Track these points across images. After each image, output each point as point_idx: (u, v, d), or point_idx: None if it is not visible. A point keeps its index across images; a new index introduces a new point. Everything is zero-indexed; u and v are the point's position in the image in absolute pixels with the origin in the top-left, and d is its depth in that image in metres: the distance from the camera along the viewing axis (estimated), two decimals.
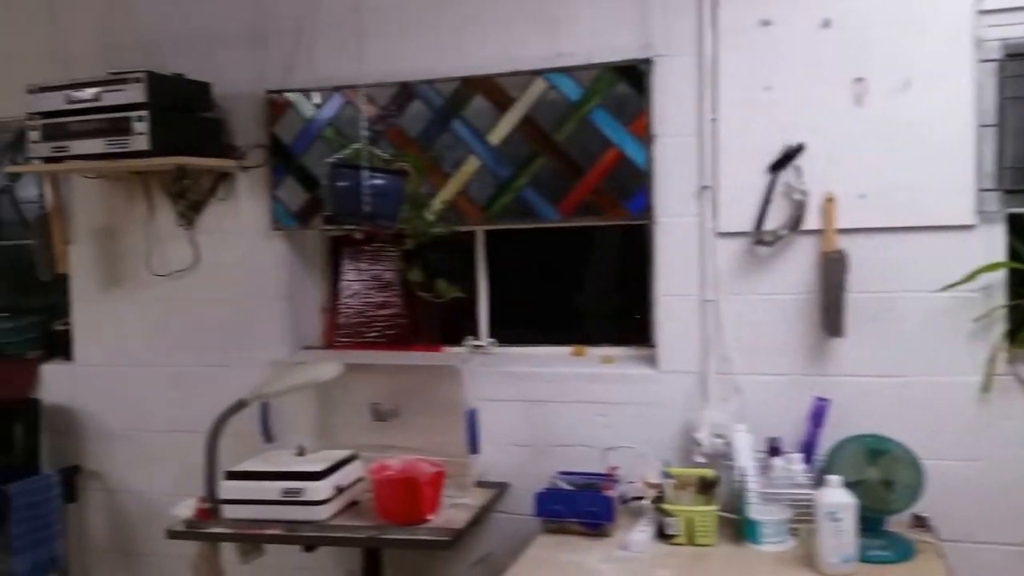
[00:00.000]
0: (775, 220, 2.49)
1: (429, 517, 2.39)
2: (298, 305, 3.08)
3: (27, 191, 3.46)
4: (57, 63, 3.10)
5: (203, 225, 3.07)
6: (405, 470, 2.45)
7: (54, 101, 2.80)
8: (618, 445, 2.54)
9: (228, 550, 2.57)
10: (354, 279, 3.13)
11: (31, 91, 2.81)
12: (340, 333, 3.13)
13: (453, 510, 2.51)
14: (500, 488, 2.73)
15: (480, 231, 2.95)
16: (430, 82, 2.79)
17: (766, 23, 2.48)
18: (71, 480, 3.18)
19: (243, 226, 3.03)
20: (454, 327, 3.04)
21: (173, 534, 2.45)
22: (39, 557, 3.00)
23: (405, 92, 2.81)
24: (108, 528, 3.25)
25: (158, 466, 3.15)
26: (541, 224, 2.76)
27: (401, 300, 3.08)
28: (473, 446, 2.66)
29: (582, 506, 2.33)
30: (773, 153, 2.48)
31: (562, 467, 2.60)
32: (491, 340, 2.97)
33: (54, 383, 3.28)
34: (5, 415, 3.15)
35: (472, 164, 2.77)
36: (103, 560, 3.26)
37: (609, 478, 2.45)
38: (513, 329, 2.99)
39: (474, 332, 2.98)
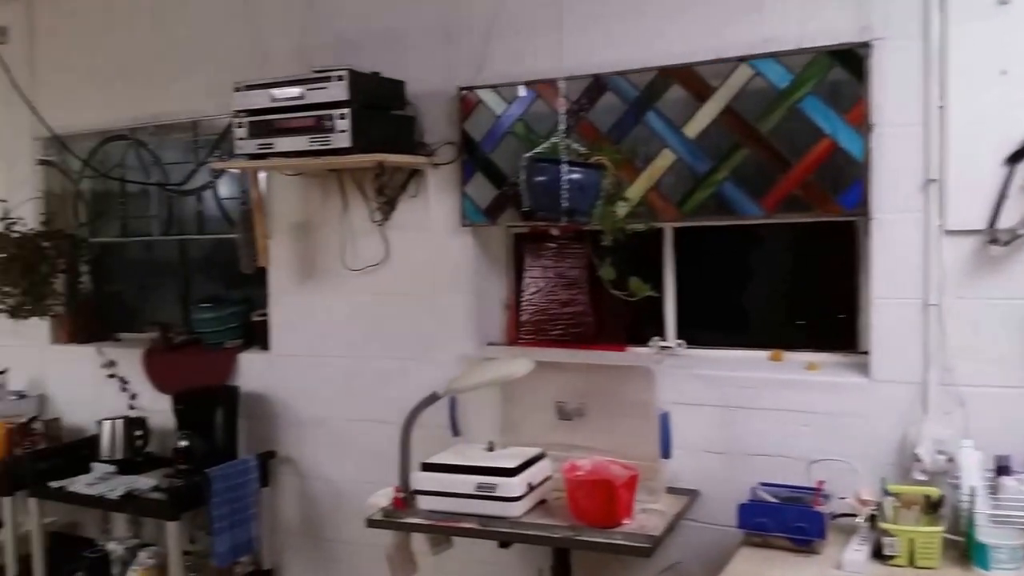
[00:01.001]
0: (1012, 217, 2.25)
1: (625, 521, 2.31)
2: (483, 302, 3.09)
3: (225, 188, 3.64)
4: (255, 63, 3.24)
5: (394, 221, 3.13)
6: (598, 471, 2.39)
7: (259, 99, 2.90)
8: (827, 458, 2.37)
9: (417, 539, 2.60)
10: (538, 276, 3.10)
11: (237, 89, 2.93)
12: (523, 330, 3.11)
13: (645, 515, 2.42)
14: (691, 495, 2.63)
15: (669, 228, 2.85)
16: (623, 73, 2.72)
17: (1003, 1, 2.25)
18: (265, 465, 3.31)
19: (432, 222, 3.07)
20: (637, 327, 2.96)
21: (372, 523, 2.49)
22: (237, 539, 3.14)
23: (597, 85, 2.75)
24: (299, 513, 3.37)
25: (348, 454, 3.24)
26: (742, 221, 2.63)
27: (586, 298, 3.02)
28: (665, 450, 2.56)
29: (791, 520, 2.19)
30: (1011, 143, 2.25)
31: (758, 477, 2.46)
32: (679, 341, 2.87)
33: (251, 371, 3.43)
34: (207, 401, 3.32)
35: (666, 158, 2.67)
36: (294, 544, 3.38)
37: (818, 492, 2.29)
38: (701, 330, 2.88)
39: (660, 332, 2.89)
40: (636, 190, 2.70)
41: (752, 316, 3.00)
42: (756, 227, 2.78)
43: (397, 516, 2.49)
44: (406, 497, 2.52)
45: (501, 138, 2.91)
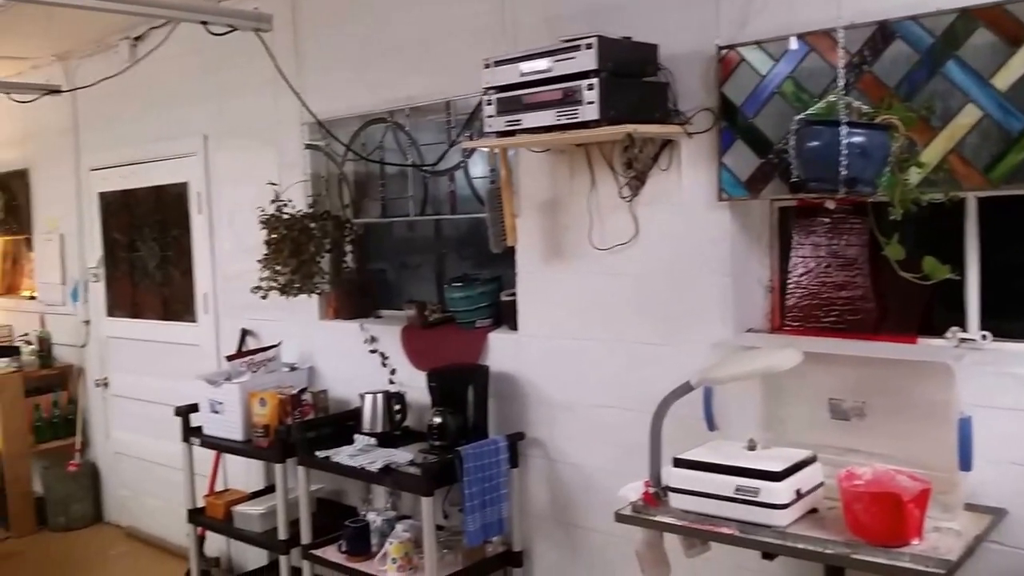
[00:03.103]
0: None
1: (913, 541, 1.98)
2: (741, 284, 2.81)
3: (477, 168, 3.63)
4: (505, 39, 3.17)
5: (644, 197, 2.94)
6: (882, 482, 2.07)
7: (507, 75, 2.82)
8: None
9: (670, 538, 2.41)
10: (808, 255, 2.77)
11: (487, 65, 2.87)
12: (789, 316, 2.80)
13: (937, 535, 2.08)
14: (996, 514, 2.23)
15: (972, 198, 2.42)
16: (916, 18, 2.32)
17: None
18: (515, 446, 3.27)
19: (685, 197, 2.84)
20: (931, 316, 2.56)
21: (621, 518, 2.34)
22: (487, 518, 3.12)
23: (882, 33, 2.37)
24: (548, 496, 3.31)
25: (596, 440, 3.12)
26: None
27: (867, 280, 2.65)
28: (965, 461, 2.18)
29: None
30: None
31: None
32: (983, 332, 2.43)
33: (500, 351, 3.41)
34: (459, 379, 3.34)
35: (970, 115, 2.25)
36: (543, 528, 3.33)
37: None
38: (1011, 320, 2.42)
39: (960, 322, 2.47)
40: (932, 154, 2.30)
41: None
42: None
43: (648, 513, 2.32)
44: (657, 493, 2.35)
45: (766, 101, 2.61)
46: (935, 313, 2.56)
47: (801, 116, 2.31)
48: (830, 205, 2.36)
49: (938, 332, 2.49)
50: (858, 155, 2.15)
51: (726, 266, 2.79)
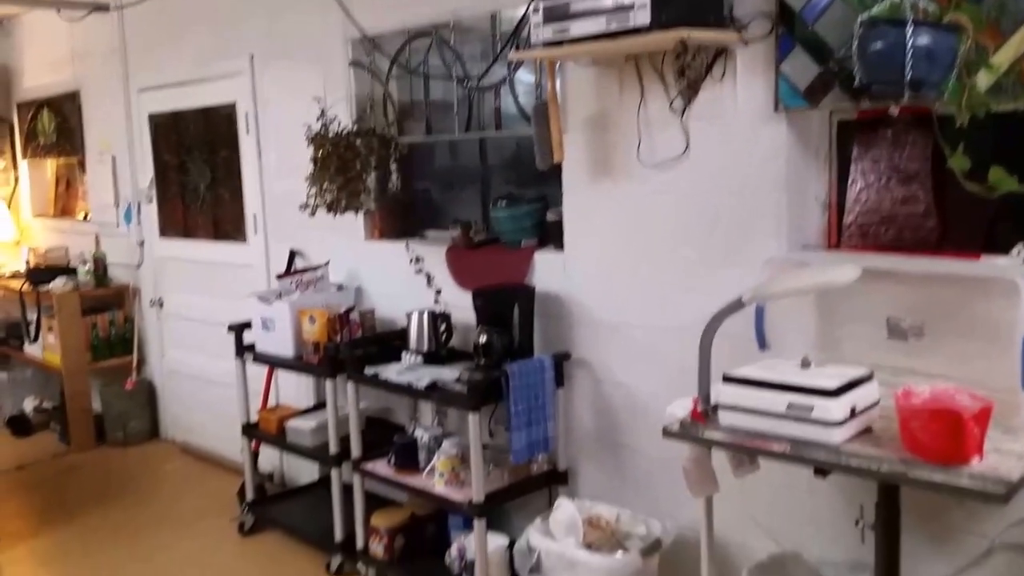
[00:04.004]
0: None
1: (973, 460, 1.92)
2: (796, 200, 2.72)
3: (522, 88, 3.54)
4: None
5: (696, 111, 2.83)
6: (940, 399, 2.00)
7: None
8: None
9: (718, 457, 2.39)
10: (868, 169, 2.65)
11: None
12: (847, 233, 2.71)
13: (998, 456, 2.01)
14: None
15: None
16: None
17: None
18: (560, 366, 3.26)
19: (740, 109, 2.73)
20: (996, 231, 2.44)
21: (668, 434, 2.31)
22: (533, 436, 3.14)
23: None
24: (594, 417, 3.30)
25: (642, 361, 3.09)
26: None
27: (929, 195, 2.54)
28: None
29: None
30: None
31: None
32: None
33: (546, 271, 3.37)
34: (505, 299, 3.32)
35: None
36: (588, 447, 3.33)
37: None
38: None
39: None
40: (1002, 58, 2.16)
41: None
42: None
43: (696, 430, 2.29)
44: (706, 410, 2.31)
45: (827, 5, 2.47)
46: (999, 230, 2.45)
47: (865, 15, 2.17)
48: (893, 111, 2.24)
49: (1003, 249, 2.38)
50: (924, 57, 2.03)
51: (781, 182, 2.69)
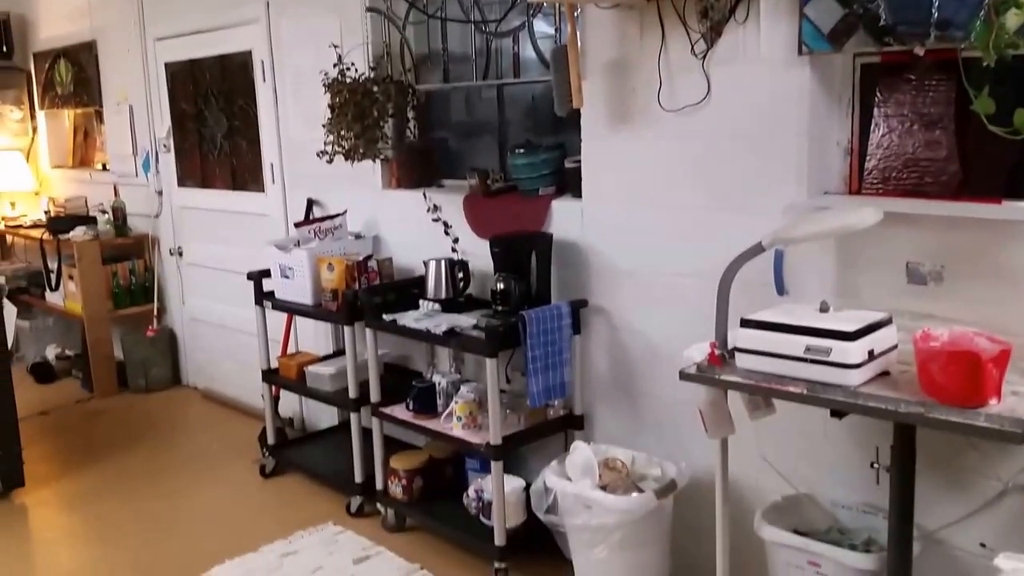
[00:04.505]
0: None
1: (991, 402, 1.94)
2: (818, 145, 2.69)
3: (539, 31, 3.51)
4: None
5: (718, 55, 2.80)
6: (959, 342, 2.01)
7: None
8: None
9: (734, 400, 2.41)
10: (891, 114, 2.63)
11: None
12: (869, 178, 2.69)
13: (1015, 399, 2.01)
14: None
15: None
16: None
17: None
18: (578, 313, 3.28)
19: (763, 53, 2.70)
20: (1014, 177, 2.42)
21: (685, 376, 2.34)
22: (549, 381, 3.17)
23: None
24: (610, 363, 3.33)
25: (661, 307, 3.10)
26: None
27: (952, 140, 2.51)
28: None
29: None
30: None
31: None
32: None
33: (564, 219, 3.37)
34: (522, 246, 3.32)
35: None
36: (603, 392, 3.37)
37: None
38: None
39: None
40: None
41: None
42: None
43: (712, 372, 2.31)
44: (723, 354, 2.33)
45: None
46: (1021, 176, 2.42)
47: None
48: (919, 51, 2.21)
49: None
50: None
51: (803, 126, 2.67)
